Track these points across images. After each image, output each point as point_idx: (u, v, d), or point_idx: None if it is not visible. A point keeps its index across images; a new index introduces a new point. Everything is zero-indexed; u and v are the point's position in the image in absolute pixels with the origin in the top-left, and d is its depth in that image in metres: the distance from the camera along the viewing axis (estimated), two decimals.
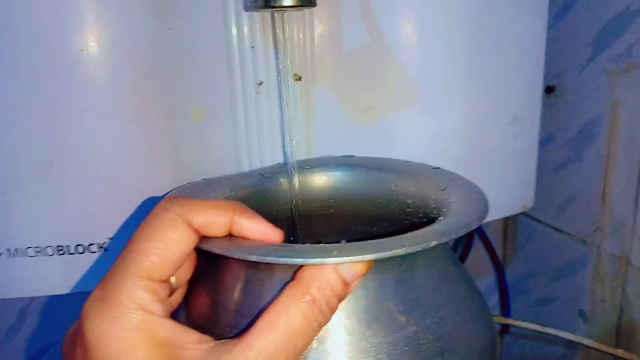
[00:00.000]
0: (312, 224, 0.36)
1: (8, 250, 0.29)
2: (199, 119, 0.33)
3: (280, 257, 0.21)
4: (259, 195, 0.34)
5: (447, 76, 0.36)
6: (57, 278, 0.30)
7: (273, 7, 0.29)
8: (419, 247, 0.21)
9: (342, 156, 0.37)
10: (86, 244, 0.30)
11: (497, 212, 0.40)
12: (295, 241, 0.36)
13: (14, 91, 0.28)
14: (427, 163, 0.35)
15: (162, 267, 0.21)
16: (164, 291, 0.21)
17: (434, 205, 0.30)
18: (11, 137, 0.28)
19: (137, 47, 0.29)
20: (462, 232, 0.23)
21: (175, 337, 0.19)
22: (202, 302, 0.25)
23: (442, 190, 0.30)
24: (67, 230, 0.30)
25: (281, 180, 0.35)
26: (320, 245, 0.22)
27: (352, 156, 0.37)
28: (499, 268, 0.61)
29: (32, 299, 0.44)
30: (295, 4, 0.29)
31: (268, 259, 0.21)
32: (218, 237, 0.23)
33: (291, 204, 0.35)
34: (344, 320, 0.23)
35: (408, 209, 0.33)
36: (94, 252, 0.30)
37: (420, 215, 0.32)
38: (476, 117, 0.37)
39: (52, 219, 0.30)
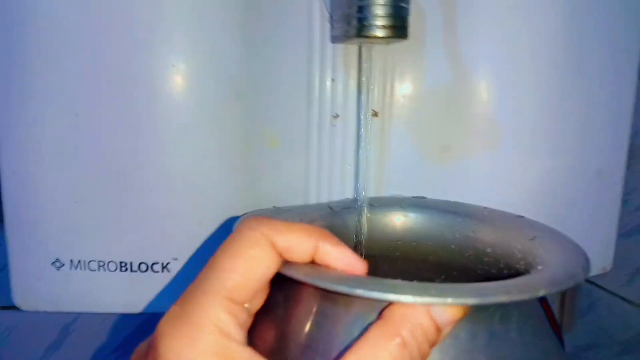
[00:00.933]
0: (375, 265, 0.34)
1: (71, 261, 0.29)
2: (275, 146, 0.32)
3: (371, 290, 0.19)
4: (327, 230, 0.33)
5: (533, 123, 0.34)
6: (116, 296, 0.29)
7: (366, 36, 0.28)
8: (526, 296, 0.19)
9: (414, 197, 0.35)
10: (150, 263, 0.29)
11: None
12: None
13: (97, 99, 0.28)
14: (504, 209, 0.33)
15: (244, 288, 0.19)
16: (243, 315, 0.19)
17: (520, 255, 0.28)
18: (89, 147, 0.28)
19: (226, 68, 0.29)
20: (571, 283, 0.21)
21: None
22: (269, 334, 0.23)
23: (531, 240, 0.28)
24: (133, 247, 0.29)
25: (349, 216, 0.34)
26: (415, 282, 0.20)
27: (425, 198, 0.35)
28: (559, 337, 0.56)
29: (77, 316, 0.43)
30: (387, 36, 0.28)
31: (358, 292, 0.19)
32: (300, 263, 0.21)
33: (357, 242, 0.34)
34: None
35: (485, 259, 0.31)
36: (156, 272, 0.29)
37: (500, 265, 0.30)
38: (560, 167, 0.35)
39: (119, 234, 0.29)
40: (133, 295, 0.29)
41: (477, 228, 0.32)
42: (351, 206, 0.34)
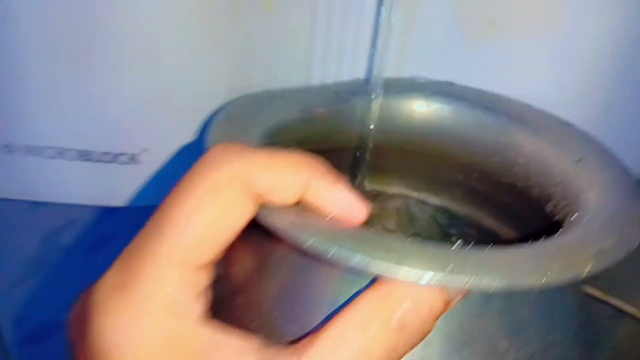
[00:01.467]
0: (385, 159, 0.30)
1: (28, 146, 0.24)
2: (271, 8, 0.25)
3: (371, 262, 0.15)
4: (330, 119, 0.28)
5: None
6: (78, 186, 0.25)
7: None
8: (568, 276, 0.15)
9: (440, 81, 0.29)
10: (115, 153, 0.24)
11: None
12: (361, 180, 0.29)
13: None
14: (554, 106, 0.27)
15: (206, 248, 0.15)
16: (204, 281, 0.15)
17: (559, 179, 0.23)
18: (36, 15, 0.21)
19: None
20: (624, 253, 0.16)
21: (213, 347, 0.14)
22: (244, 266, 0.20)
23: (576, 162, 0.23)
24: (94, 134, 0.24)
25: (359, 101, 0.28)
26: (428, 250, 0.15)
27: (453, 84, 0.29)
28: None
29: None
30: None
31: (354, 262, 0.15)
32: (283, 206, 0.16)
33: (365, 133, 0.28)
34: (430, 337, 0.17)
35: (515, 169, 0.26)
36: (124, 163, 0.25)
37: (531, 182, 0.25)
38: (632, 54, 0.28)
39: (77, 118, 0.24)
40: (99, 187, 0.25)
41: (513, 132, 0.26)
42: (362, 90, 0.28)
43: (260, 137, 0.22)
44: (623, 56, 0.27)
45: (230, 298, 0.18)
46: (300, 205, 0.17)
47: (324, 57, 0.28)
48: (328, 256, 0.15)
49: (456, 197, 0.30)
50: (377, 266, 0.15)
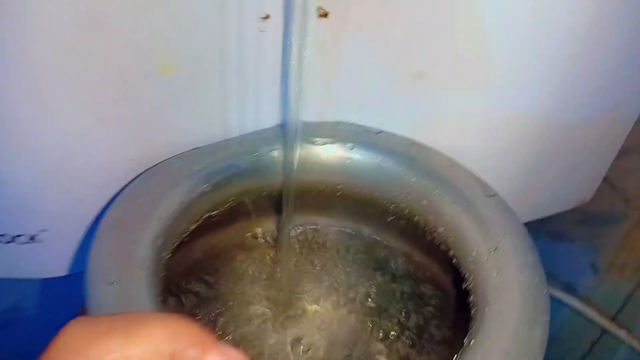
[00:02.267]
0: (310, 201, 0.29)
1: None
2: (167, 71, 0.23)
3: None
4: (246, 177, 0.26)
5: (539, 49, 0.24)
6: None
7: None
8: None
9: (369, 128, 0.27)
10: (12, 235, 0.23)
11: (550, 209, 0.32)
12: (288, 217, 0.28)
13: None
14: (484, 156, 0.26)
15: None
16: None
17: (472, 267, 0.22)
18: None
19: None
20: None
21: None
22: None
23: (491, 252, 0.22)
24: None
25: (276, 154, 0.26)
26: None
27: (381, 131, 0.27)
28: None
29: None
30: None
31: None
32: None
33: (286, 185, 0.27)
34: None
35: (435, 234, 0.25)
36: (23, 244, 0.23)
37: (449, 253, 0.24)
38: (572, 104, 0.26)
39: None
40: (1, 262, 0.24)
41: (434, 197, 0.25)
42: (281, 137, 0.26)
43: (156, 236, 0.21)
44: (554, 112, 0.26)
45: None
46: None
47: (241, 110, 0.26)
48: None
49: (386, 233, 0.30)
50: None
